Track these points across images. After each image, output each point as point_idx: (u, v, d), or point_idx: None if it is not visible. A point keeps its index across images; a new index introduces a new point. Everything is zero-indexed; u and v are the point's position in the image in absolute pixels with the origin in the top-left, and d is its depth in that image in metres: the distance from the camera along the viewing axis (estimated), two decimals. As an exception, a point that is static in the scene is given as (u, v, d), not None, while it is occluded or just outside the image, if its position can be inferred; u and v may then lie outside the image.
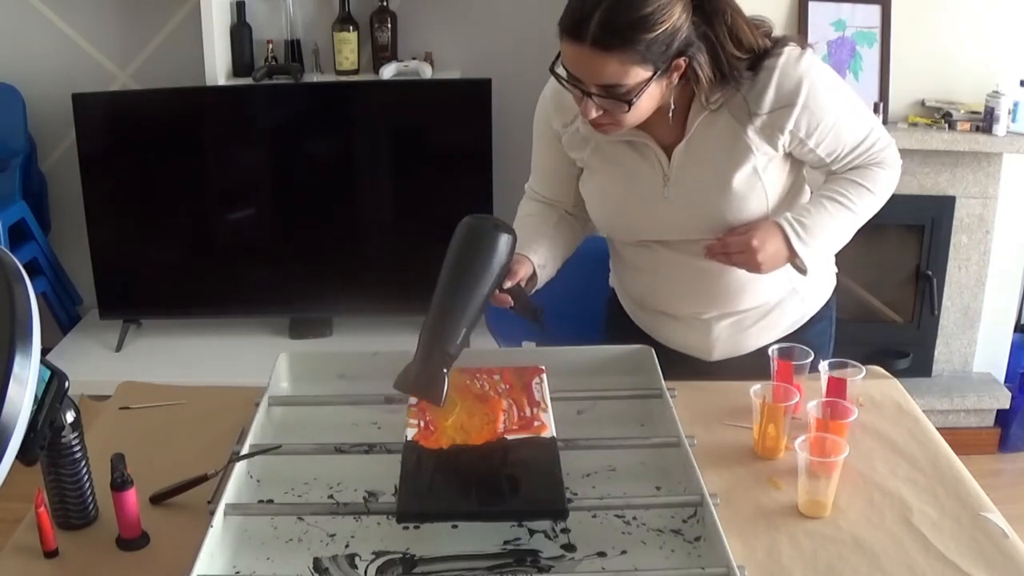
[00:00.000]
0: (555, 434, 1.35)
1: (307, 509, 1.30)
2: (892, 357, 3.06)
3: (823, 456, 1.30)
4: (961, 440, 2.61)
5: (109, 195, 3.22)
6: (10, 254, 1.09)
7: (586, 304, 1.94)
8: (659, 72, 1.38)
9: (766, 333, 1.70)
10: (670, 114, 1.49)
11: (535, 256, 1.58)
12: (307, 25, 3.30)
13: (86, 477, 1.28)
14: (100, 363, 3.24)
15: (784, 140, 1.51)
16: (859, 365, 1.52)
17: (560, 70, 1.43)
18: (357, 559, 1.21)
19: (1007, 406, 3.11)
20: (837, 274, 1.81)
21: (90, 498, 1.29)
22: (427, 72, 3.22)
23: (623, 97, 1.39)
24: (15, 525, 1.29)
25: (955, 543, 1.24)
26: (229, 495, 1.24)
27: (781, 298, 1.68)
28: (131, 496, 1.23)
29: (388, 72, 3.19)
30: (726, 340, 1.70)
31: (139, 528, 1.25)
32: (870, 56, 2.87)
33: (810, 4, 2.84)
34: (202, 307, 3.37)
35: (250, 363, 2.98)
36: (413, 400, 1.43)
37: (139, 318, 3.41)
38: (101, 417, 1.58)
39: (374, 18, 3.23)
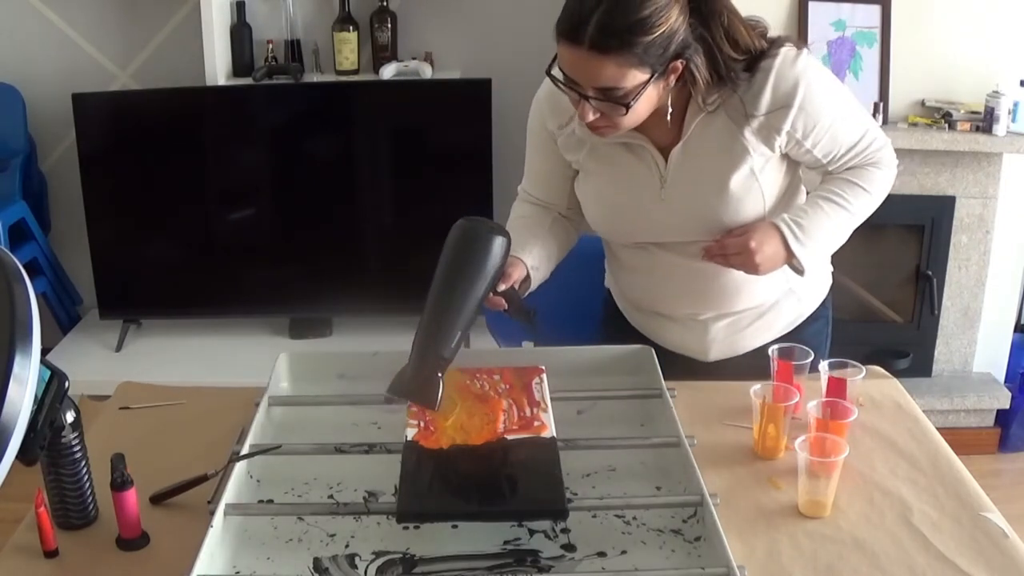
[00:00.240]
0: (555, 434, 1.35)
1: (307, 509, 1.30)
2: (892, 357, 3.06)
3: (823, 456, 1.30)
4: (961, 440, 2.61)
5: (109, 195, 3.22)
6: (10, 254, 1.09)
7: (582, 304, 1.94)
8: (656, 74, 1.38)
9: (762, 333, 1.70)
10: (667, 116, 1.49)
11: (529, 258, 1.57)
12: (307, 25, 3.30)
13: (86, 477, 1.28)
14: (100, 363, 3.24)
15: (781, 141, 1.51)
16: (859, 365, 1.52)
17: (556, 73, 1.43)
18: (357, 559, 1.21)
19: (1007, 406, 3.11)
20: (834, 274, 1.81)
21: (90, 498, 1.29)
22: (427, 72, 3.22)
23: (620, 100, 1.39)
24: (15, 525, 1.29)
25: (955, 543, 1.24)
26: (229, 495, 1.24)
27: (777, 298, 1.68)
28: (131, 496, 1.23)
29: (388, 72, 3.19)
30: (722, 341, 1.70)
31: (139, 528, 1.25)
32: (870, 56, 2.87)
33: (810, 4, 2.84)
34: (202, 307, 3.37)
35: (250, 363, 2.98)
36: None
37: (139, 318, 3.41)
38: (101, 417, 1.58)
39: (374, 18, 3.23)
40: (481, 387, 1.47)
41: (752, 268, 1.51)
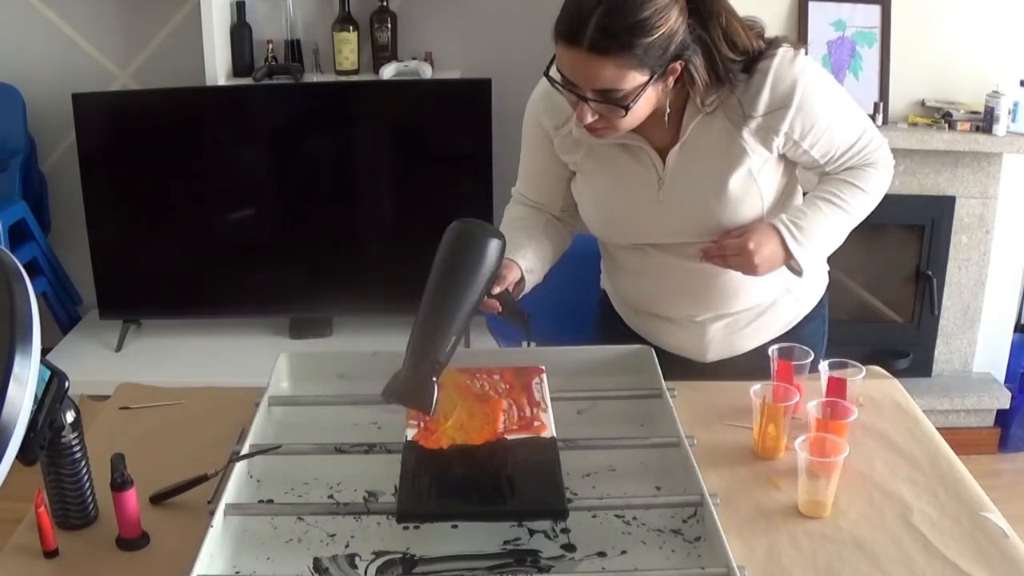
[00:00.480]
0: (555, 434, 1.35)
1: (307, 509, 1.30)
2: (892, 357, 3.06)
3: (823, 456, 1.30)
4: (961, 440, 2.61)
5: (109, 195, 3.22)
6: (10, 254, 1.09)
7: (577, 305, 1.94)
8: (656, 76, 1.37)
9: (760, 333, 1.70)
10: (666, 117, 1.49)
11: (523, 261, 1.56)
12: (307, 25, 3.30)
13: (86, 477, 1.28)
14: (100, 363, 3.24)
15: (779, 142, 1.51)
16: (859, 365, 1.52)
17: (554, 74, 1.43)
18: (357, 559, 1.21)
19: (1007, 406, 3.11)
20: (835, 274, 1.81)
21: (90, 498, 1.29)
22: (427, 72, 3.22)
23: (620, 102, 1.38)
24: (15, 525, 1.29)
25: (955, 543, 1.24)
26: (229, 495, 1.24)
27: (775, 298, 1.68)
28: (131, 496, 1.23)
29: (388, 72, 3.19)
30: (720, 342, 1.70)
31: (139, 528, 1.25)
32: (870, 56, 2.87)
33: (810, 4, 2.84)
34: (202, 307, 3.37)
35: (250, 363, 2.99)
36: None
37: (139, 318, 3.41)
38: (101, 417, 1.58)
39: (374, 18, 3.23)
40: (481, 387, 1.47)
41: (751, 269, 1.51)
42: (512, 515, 1.25)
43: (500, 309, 1.49)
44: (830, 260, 1.77)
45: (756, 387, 1.43)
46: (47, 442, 1.21)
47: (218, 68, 3.12)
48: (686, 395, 1.54)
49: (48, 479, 1.27)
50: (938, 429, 1.52)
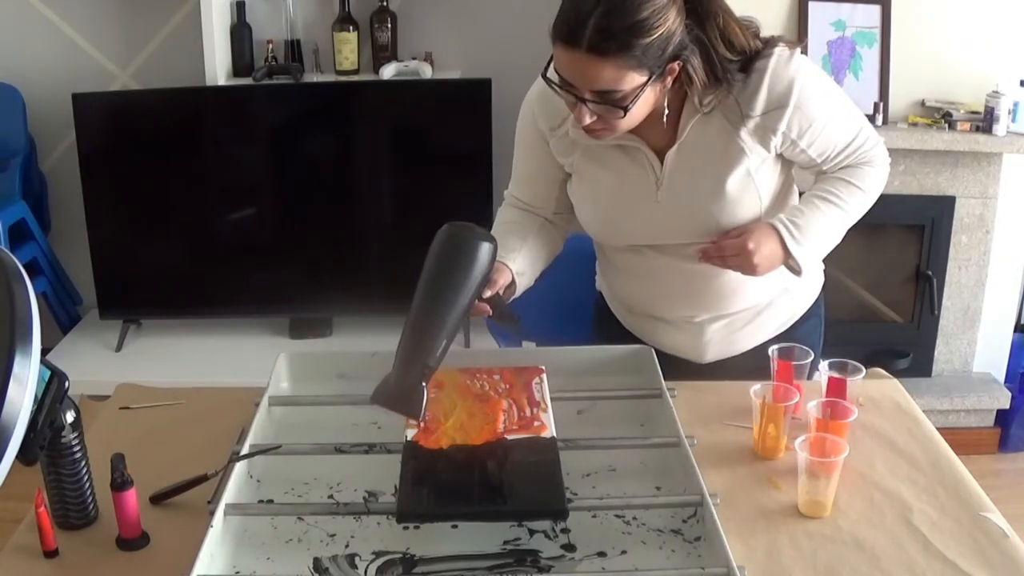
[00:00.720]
0: (555, 434, 1.35)
1: (307, 509, 1.30)
2: (892, 357, 3.06)
3: (823, 456, 1.30)
4: (961, 440, 2.61)
5: (109, 195, 3.22)
6: (10, 254, 1.09)
7: (572, 306, 1.94)
8: (654, 76, 1.37)
9: (757, 334, 1.70)
10: (664, 118, 1.49)
11: (514, 264, 1.55)
12: (307, 25, 3.30)
13: (86, 477, 1.28)
14: (100, 363, 3.24)
15: (776, 141, 1.51)
16: (859, 365, 1.52)
17: (552, 75, 1.43)
18: (357, 559, 1.21)
19: (1007, 406, 3.11)
20: (835, 274, 1.81)
21: (90, 498, 1.29)
22: (427, 72, 3.21)
23: (618, 103, 1.38)
24: (15, 525, 1.29)
25: (955, 543, 1.24)
26: (229, 495, 1.24)
27: (772, 298, 1.68)
28: (131, 496, 1.23)
29: (388, 72, 3.19)
30: (718, 342, 1.70)
31: (139, 528, 1.25)
32: (870, 56, 2.87)
33: (810, 4, 2.84)
34: (202, 307, 3.37)
35: (250, 363, 2.98)
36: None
37: (139, 318, 3.41)
38: (101, 417, 1.58)
39: (374, 18, 3.23)
40: (481, 387, 1.47)
41: (750, 269, 1.51)
42: (512, 515, 1.25)
43: (491, 313, 1.47)
44: (828, 260, 1.77)
45: (756, 387, 1.43)
46: (47, 442, 1.21)
47: (218, 68, 3.12)
48: (686, 395, 1.54)
49: (48, 479, 1.27)
50: (938, 429, 1.52)
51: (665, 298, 1.67)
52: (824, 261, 1.75)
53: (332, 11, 3.24)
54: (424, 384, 1.34)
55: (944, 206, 2.96)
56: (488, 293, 1.45)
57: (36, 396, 1.12)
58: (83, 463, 1.27)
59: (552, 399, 1.45)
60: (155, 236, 3.28)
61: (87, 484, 1.28)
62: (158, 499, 1.32)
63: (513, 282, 1.55)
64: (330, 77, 3.26)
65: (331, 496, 1.34)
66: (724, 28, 1.41)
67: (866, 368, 1.56)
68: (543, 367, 1.54)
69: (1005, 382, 3.18)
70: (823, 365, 1.51)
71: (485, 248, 1.35)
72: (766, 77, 1.46)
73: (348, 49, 3.22)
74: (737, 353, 1.71)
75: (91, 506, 1.29)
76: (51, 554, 1.23)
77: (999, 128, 2.76)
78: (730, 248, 1.51)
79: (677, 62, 1.39)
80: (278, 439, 1.41)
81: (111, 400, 1.63)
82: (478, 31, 3.33)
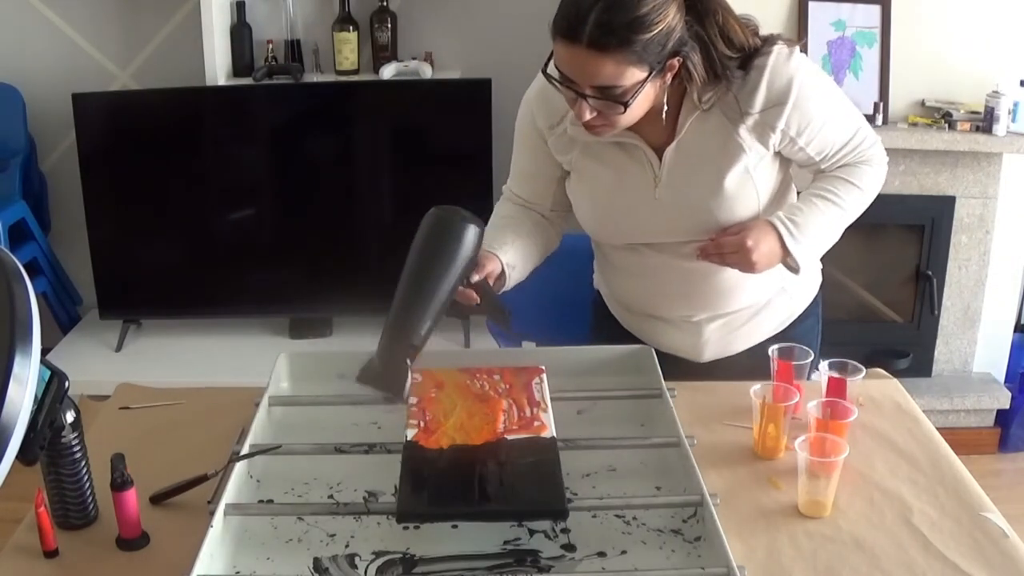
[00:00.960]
0: (555, 434, 1.35)
1: (307, 509, 1.30)
2: (892, 357, 3.06)
3: (823, 456, 1.30)
4: (961, 440, 2.61)
5: (109, 195, 3.22)
6: (10, 254, 1.09)
7: (570, 305, 1.94)
8: (654, 72, 1.38)
9: (755, 333, 1.70)
10: (663, 114, 1.49)
11: (504, 255, 1.56)
12: (307, 25, 3.30)
13: (86, 477, 1.28)
14: (100, 363, 3.24)
15: (775, 139, 1.51)
16: (859, 365, 1.52)
17: (552, 72, 1.43)
18: (357, 559, 1.21)
19: (1007, 406, 3.11)
20: (835, 274, 1.81)
21: (90, 498, 1.29)
22: (427, 72, 3.22)
23: (619, 98, 1.38)
24: (15, 525, 1.29)
25: (955, 543, 1.24)
26: (229, 495, 1.24)
27: (770, 297, 1.69)
28: (131, 496, 1.23)
29: (388, 72, 3.19)
30: (716, 342, 1.70)
31: (139, 528, 1.25)
32: (870, 56, 2.87)
33: (810, 4, 2.84)
34: (202, 307, 3.37)
35: (250, 363, 2.99)
36: (413, 400, 1.43)
37: (139, 318, 3.41)
38: (101, 417, 1.57)
39: (374, 18, 3.23)
40: (481, 387, 1.47)
41: (748, 267, 1.51)
42: (512, 515, 1.25)
43: (478, 300, 1.47)
44: (827, 259, 1.77)
45: (756, 387, 1.43)
46: (47, 442, 1.21)
47: (218, 68, 3.12)
48: (686, 395, 1.54)
49: (48, 479, 1.27)
50: (938, 429, 1.52)
51: (663, 297, 1.67)
52: (823, 261, 1.75)
53: (332, 11, 3.24)
54: (409, 363, 1.35)
55: (944, 206, 2.96)
56: (476, 277, 1.45)
57: (36, 396, 1.12)
58: (83, 463, 1.27)
59: (552, 399, 1.45)
60: (155, 236, 3.28)
61: (87, 484, 1.28)
62: (158, 499, 1.32)
63: (503, 273, 1.55)
64: (330, 77, 3.26)
65: (331, 496, 1.34)
66: (723, 25, 1.42)
67: (866, 368, 1.56)
68: (543, 367, 1.54)
69: (1005, 382, 3.18)
70: (823, 365, 1.51)
71: (471, 230, 1.38)
72: (765, 74, 1.46)
73: (348, 49, 3.22)
74: (735, 352, 1.71)
75: (91, 506, 1.29)
76: (51, 554, 1.23)
77: (999, 128, 2.76)
78: (728, 245, 1.51)
79: (677, 58, 1.40)
80: (278, 439, 1.41)
81: (111, 400, 1.63)
82: (478, 31, 3.33)
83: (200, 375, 2.97)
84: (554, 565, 1.20)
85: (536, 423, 1.38)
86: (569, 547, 1.23)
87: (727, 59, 1.43)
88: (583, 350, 1.64)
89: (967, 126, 2.80)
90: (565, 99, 1.45)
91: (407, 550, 1.22)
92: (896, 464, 1.42)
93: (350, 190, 3.30)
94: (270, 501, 1.33)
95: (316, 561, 1.20)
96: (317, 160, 3.24)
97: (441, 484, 1.27)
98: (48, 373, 1.19)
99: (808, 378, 1.59)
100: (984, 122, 2.79)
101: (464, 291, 1.44)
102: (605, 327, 1.81)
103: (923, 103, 2.90)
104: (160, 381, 1.69)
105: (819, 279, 1.79)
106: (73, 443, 1.26)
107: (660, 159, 1.54)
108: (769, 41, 1.47)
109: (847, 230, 1.60)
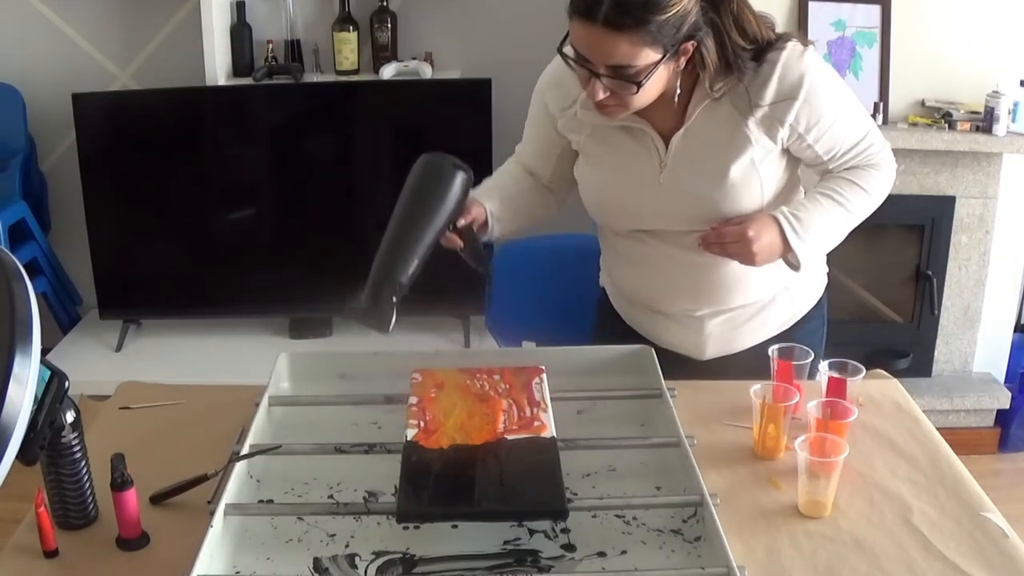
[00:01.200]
0: (555, 434, 1.35)
1: (307, 509, 1.30)
2: (892, 357, 3.06)
3: (823, 456, 1.30)
4: (961, 440, 2.61)
5: (109, 195, 3.22)
6: (10, 254, 1.09)
7: (576, 304, 1.94)
8: (668, 54, 1.39)
9: (758, 331, 1.70)
10: (675, 99, 1.50)
11: (490, 204, 1.60)
12: (307, 25, 3.30)
13: (86, 477, 1.28)
14: (100, 363, 3.24)
15: (783, 134, 1.51)
16: (859, 365, 1.52)
17: (568, 51, 1.44)
18: (357, 559, 1.21)
19: (1007, 406, 3.11)
20: (835, 274, 1.81)
21: (90, 498, 1.29)
22: (427, 72, 3.22)
23: (632, 78, 1.40)
24: (15, 525, 1.28)
25: (955, 543, 1.24)
26: (229, 495, 1.24)
27: (774, 296, 1.69)
28: (131, 496, 1.23)
29: (388, 72, 3.19)
30: (718, 338, 1.70)
31: (139, 528, 1.25)
32: (870, 56, 2.87)
33: (810, 4, 2.84)
34: (202, 307, 3.37)
35: (250, 363, 2.98)
36: (413, 400, 1.43)
37: (139, 318, 3.41)
38: (101, 417, 1.57)
39: (374, 18, 3.23)
40: (481, 387, 1.47)
41: (748, 258, 1.51)
42: (512, 515, 1.25)
43: (462, 245, 1.53)
44: (830, 260, 1.77)
45: (756, 387, 1.43)
46: (47, 442, 1.21)
47: (218, 68, 3.12)
48: (686, 395, 1.54)
49: (48, 479, 1.27)
50: (938, 429, 1.52)
51: (666, 289, 1.68)
52: (827, 263, 1.75)
53: (332, 11, 3.24)
54: (395, 299, 1.39)
55: (944, 206, 2.96)
56: (462, 222, 1.51)
57: (36, 396, 1.12)
58: (83, 463, 1.27)
59: (552, 399, 1.45)
60: (155, 236, 3.28)
61: (87, 484, 1.28)
62: (158, 499, 1.32)
63: (487, 222, 1.59)
64: (330, 77, 3.26)
65: (331, 496, 1.34)
66: (738, 14, 1.44)
67: (866, 368, 1.56)
68: (543, 367, 1.54)
69: (1005, 382, 3.18)
70: (823, 365, 1.51)
71: (459, 176, 1.44)
72: (777, 68, 1.47)
73: (348, 49, 3.22)
74: (737, 351, 1.71)
75: (91, 506, 1.29)
76: (51, 554, 1.23)
77: (999, 128, 2.76)
78: (729, 234, 1.52)
79: (691, 42, 1.41)
80: (278, 439, 1.41)
81: (111, 400, 1.63)
82: (478, 31, 3.33)
83: (200, 375, 2.96)
84: (554, 565, 1.20)
85: (536, 423, 1.38)
86: (569, 547, 1.23)
87: (740, 49, 1.44)
88: (583, 350, 1.64)
89: (967, 126, 2.80)
90: (579, 79, 1.46)
91: (407, 550, 1.22)
92: (896, 464, 1.42)
93: (350, 190, 3.30)
94: (270, 501, 1.33)
95: (316, 561, 1.20)
96: (317, 160, 3.24)
97: (441, 484, 1.27)
98: (48, 373, 1.19)
99: (810, 379, 1.59)
100: (984, 122, 2.79)
101: (450, 236, 1.49)
102: (609, 325, 1.82)
103: (923, 103, 2.90)
104: (160, 381, 1.69)
105: (824, 281, 1.79)
106: (73, 443, 1.26)
107: (667, 145, 1.55)
108: (783, 38, 1.49)
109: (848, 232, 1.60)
